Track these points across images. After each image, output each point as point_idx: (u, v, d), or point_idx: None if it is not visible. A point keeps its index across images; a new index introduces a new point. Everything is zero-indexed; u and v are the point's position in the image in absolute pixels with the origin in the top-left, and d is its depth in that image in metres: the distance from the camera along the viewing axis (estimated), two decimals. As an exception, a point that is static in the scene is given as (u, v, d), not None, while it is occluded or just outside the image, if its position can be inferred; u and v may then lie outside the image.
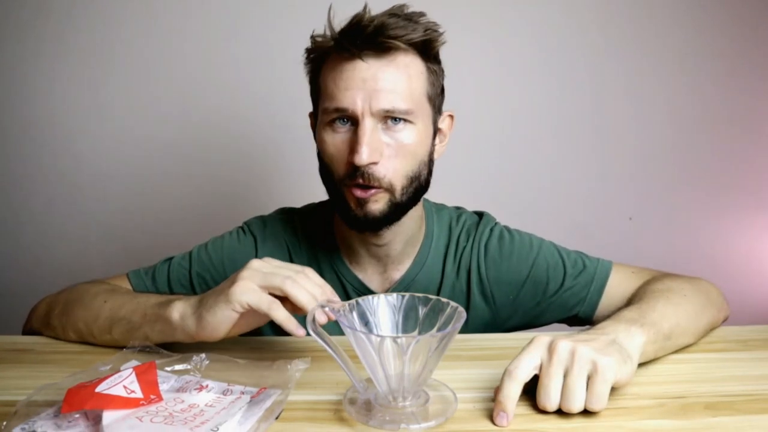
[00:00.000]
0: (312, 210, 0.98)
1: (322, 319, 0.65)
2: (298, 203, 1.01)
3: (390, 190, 0.80)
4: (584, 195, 1.69)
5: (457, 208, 1.00)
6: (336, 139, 0.80)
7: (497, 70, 1.62)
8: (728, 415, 0.62)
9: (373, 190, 0.79)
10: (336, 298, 0.69)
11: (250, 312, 0.69)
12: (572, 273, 0.91)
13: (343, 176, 0.80)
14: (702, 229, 1.72)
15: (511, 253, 0.92)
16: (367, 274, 0.92)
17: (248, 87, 1.59)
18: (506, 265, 0.92)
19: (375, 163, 0.78)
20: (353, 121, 0.79)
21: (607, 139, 1.67)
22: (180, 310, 0.72)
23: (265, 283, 0.67)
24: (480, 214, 0.98)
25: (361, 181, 0.78)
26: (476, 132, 1.61)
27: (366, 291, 0.91)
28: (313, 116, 0.88)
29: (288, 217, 0.97)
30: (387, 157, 0.79)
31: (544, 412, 0.62)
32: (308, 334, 0.64)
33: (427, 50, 0.81)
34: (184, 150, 1.61)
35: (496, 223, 0.97)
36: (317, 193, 1.02)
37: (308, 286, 0.67)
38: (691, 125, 1.67)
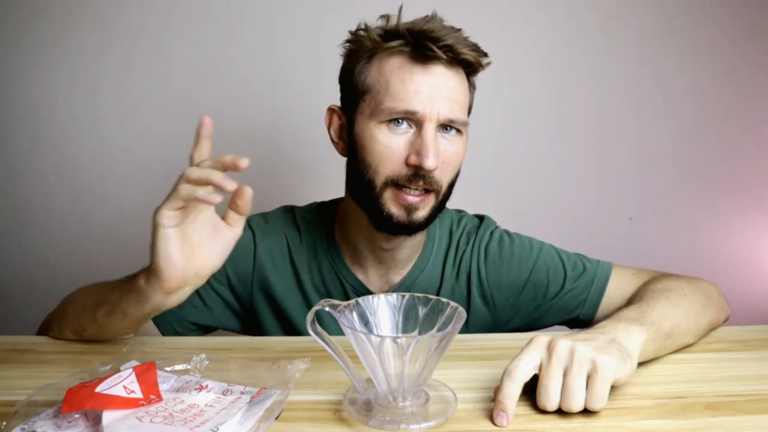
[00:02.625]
0: (314, 209, 0.98)
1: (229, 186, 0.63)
2: (299, 204, 1.01)
3: (438, 194, 0.83)
4: (584, 195, 1.69)
5: (458, 211, 1.01)
6: (392, 140, 0.80)
7: (497, 70, 1.61)
8: (728, 415, 0.62)
9: (424, 196, 0.81)
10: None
11: (186, 235, 0.65)
12: (572, 276, 0.91)
13: (397, 176, 0.80)
14: (702, 229, 1.72)
15: (511, 256, 0.93)
16: (368, 275, 0.92)
17: (248, 88, 1.59)
18: (506, 268, 0.92)
19: (436, 168, 0.80)
20: (414, 124, 0.80)
21: (607, 140, 1.67)
22: (143, 273, 0.69)
23: (170, 196, 0.65)
24: (480, 218, 0.98)
25: (422, 183, 0.80)
26: (476, 132, 1.60)
27: (366, 292, 0.91)
28: (345, 111, 0.87)
29: (290, 214, 0.97)
30: (443, 162, 0.81)
31: (544, 412, 0.62)
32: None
33: (475, 70, 0.86)
34: (185, 150, 1.60)
35: (496, 227, 0.97)
36: (318, 194, 1.02)
37: (196, 174, 0.65)
38: (691, 125, 1.67)
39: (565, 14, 1.60)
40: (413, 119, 0.79)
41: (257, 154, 1.62)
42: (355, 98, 0.84)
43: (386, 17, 0.83)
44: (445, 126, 0.81)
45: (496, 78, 1.61)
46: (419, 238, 0.91)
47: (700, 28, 1.62)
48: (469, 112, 0.88)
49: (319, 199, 1.00)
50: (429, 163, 0.77)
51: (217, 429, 0.56)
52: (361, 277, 0.92)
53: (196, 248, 0.67)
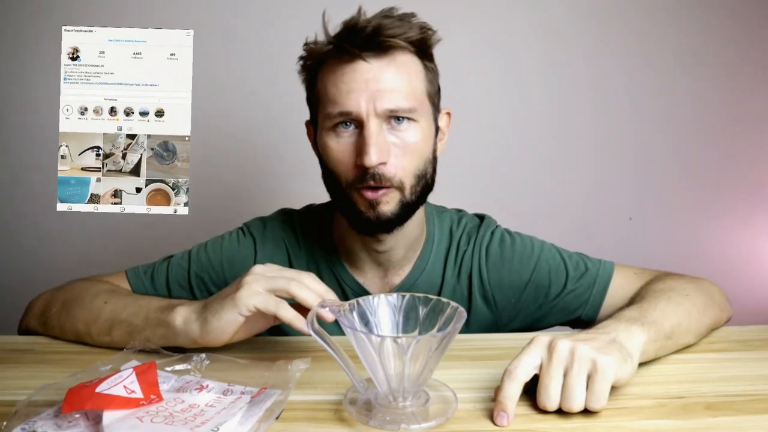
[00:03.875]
0: (312, 212, 0.98)
1: (329, 316, 0.66)
2: (298, 205, 1.01)
3: (400, 188, 0.80)
4: (584, 195, 1.69)
5: (458, 210, 1.00)
6: (341, 143, 0.80)
7: (497, 70, 1.62)
8: (728, 415, 0.62)
9: (383, 190, 0.79)
10: (336, 299, 0.70)
11: (254, 316, 0.69)
12: (574, 276, 0.90)
13: (353, 180, 0.80)
14: (702, 229, 1.72)
15: (513, 257, 0.92)
16: (367, 278, 0.92)
17: (247, 87, 1.59)
18: (508, 269, 0.92)
19: (384, 164, 0.78)
20: (357, 124, 0.79)
21: (607, 139, 1.67)
22: (183, 315, 0.72)
23: (271, 286, 0.68)
24: (481, 217, 0.97)
25: (372, 182, 0.78)
26: (476, 132, 1.61)
27: (365, 295, 0.90)
28: (312, 124, 0.88)
29: (287, 218, 0.97)
30: (394, 156, 0.79)
31: (544, 412, 0.62)
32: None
33: (424, 49, 0.82)
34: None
35: (497, 226, 0.96)
36: (318, 194, 1.02)
37: (313, 286, 0.69)
38: (691, 125, 1.67)
39: (564, 14, 1.60)
40: (354, 119, 0.78)
41: (256, 155, 1.63)
42: (314, 111, 0.85)
43: (345, 22, 0.79)
44: (394, 117, 0.79)
45: (496, 79, 1.62)
46: (414, 238, 0.91)
47: (700, 28, 1.62)
48: (432, 98, 0.84)
49: (317, 201, 1.00)
50: (369, 159, 0.76)
51: (218, 429, 0.56)
52: (360, 280, 0.92)
53: (243, 323, 0.70)
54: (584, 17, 1.61)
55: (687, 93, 1.65)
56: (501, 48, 1.61)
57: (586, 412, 0.61)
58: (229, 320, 0.68)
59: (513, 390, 0.61)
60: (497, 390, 0.62)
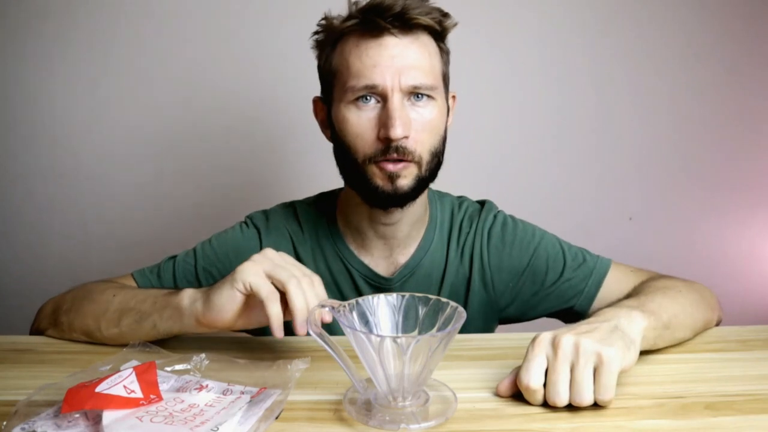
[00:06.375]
0: (314, 199, 0.99)
1: (327, 317, 0.66)
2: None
3: (419, 164, 0.82)
4: (584, 195, 1.69)
5: (459, 196, 1.02)
6: (361, 117, 0.81)
7: (498, 69, 1.61)
8: (728, 415, 0.62)
9: (403, 163, 0.81)
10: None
11: (255, 302, 0.68)
12: (572, 265, 0.92)
13: (373, 153, 0.81)
14: (702, 229, 1.72)
15: (513, 241, 0.94)
16: (374, 258, 0.93)
17: (249, 85, 1.59)
18: (508, 252, 0.93)
19: (406, 137, 0.80)
20: (380, 98, 0.80)
21: (607, 139, 1.67)
22: (190, 295, 0.73)
23: (272, 272, 0.68)
24: (482, 203, 0.99)
25: (395, 155, 0.80)
26: (477, 131, 1.61)
27: (372, 275, 0.92)
28: (322, 101, 0.89)
29: (289, 208, 0.98)
30: (415, 131, 0.81)
31: (544, 411, 0.62)
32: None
33: (442, 31, 0.84)
34: (185, 149, 1.61)
35: (499, 211, 0.98)
36: (318, 190, 1.02)
37: (309, 293, 0.68)
38: (691, 125, 1.67)
39: (566, 14, 1.60)
40: (378, 93, 0.80)
41: (257, 153, 1.63)
42: (329, 85, 0.86)
43: (355, 3, 0.83)
44: (414, 94, 0.81)
45: (497, 77, 1.62)
46: (419, 216, 0.92)
47: (701, 28, 1.62)
48: (445, 79, 0.87)
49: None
50: (395, 132, 0.78)
51: (217, 429, 0.56)
52: (366, 261, 0.92)
53: (242, 311, 0.70)
54: (585, 16, 1.60)
55: (687, 92, 1.65)
56: (502, 47, 1.61)
57: (590, 408, 0.61)
58: (228, 296, 0.68)
59: (538, 398, 0.62)
60: (498, 389, 0.63)
